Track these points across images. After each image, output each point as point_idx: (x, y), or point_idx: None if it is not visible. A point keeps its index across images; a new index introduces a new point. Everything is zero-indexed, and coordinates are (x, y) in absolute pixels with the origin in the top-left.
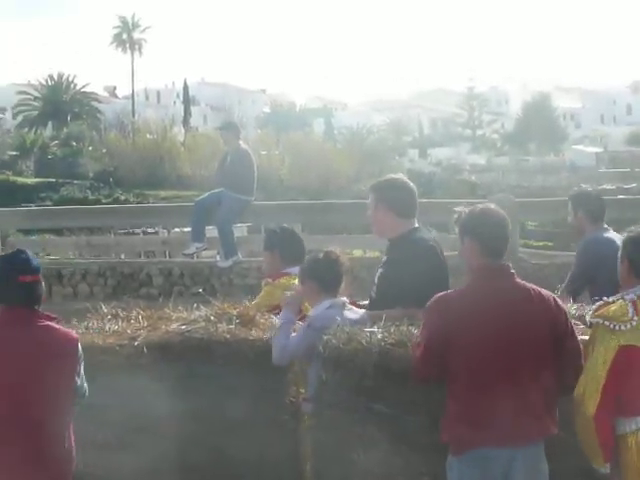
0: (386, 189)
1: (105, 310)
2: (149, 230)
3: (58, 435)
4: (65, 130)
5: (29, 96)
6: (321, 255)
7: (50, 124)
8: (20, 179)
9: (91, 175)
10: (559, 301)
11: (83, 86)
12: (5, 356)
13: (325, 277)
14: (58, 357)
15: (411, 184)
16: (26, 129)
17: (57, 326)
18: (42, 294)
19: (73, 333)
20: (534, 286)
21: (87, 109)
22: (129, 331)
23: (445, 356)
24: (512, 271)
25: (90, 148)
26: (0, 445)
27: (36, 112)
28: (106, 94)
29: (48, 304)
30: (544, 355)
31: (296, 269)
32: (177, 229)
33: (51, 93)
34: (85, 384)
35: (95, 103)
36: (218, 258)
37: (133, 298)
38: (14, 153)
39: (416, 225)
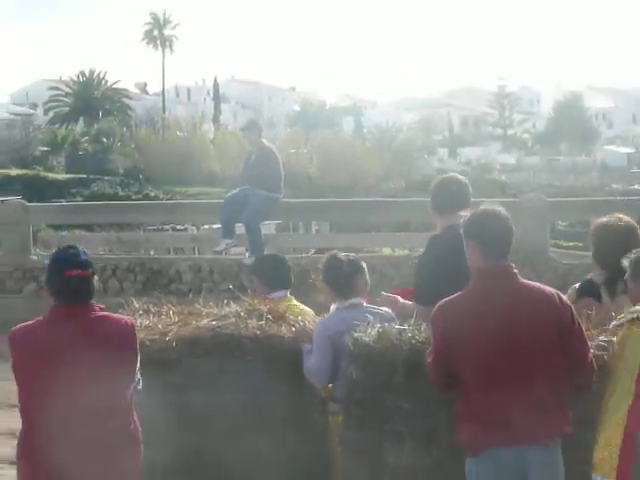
0: (432, 187)
1: (137, 305)
2: (178, 227)
3: (124, 419)
4: (96, 126)
5: (60, 92)
6: (326, 259)
7: (81, 120)
8: (51, 175)
9: (121, 171)
10: (564, 298)
11: (114, 82)
12: (60, 350)
13: (332, 280)
14: (117, 343)
15: (456, 180)
16: (57, 125)
17: (110, 314)
18: (92, 289)
19: (128, 318)
20: (539, 285)
21: (118, 105)
22: (160, 326)
23: (452, 361)
24: (514, 271)
25: (120, 144)
26: (72, 436)
27: (67, 108)
28: (137, 91)
29: (104, 297)
30: (551, 354)
31: (281, 293)
32: (206, 226)
33: (82, 89)
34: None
35: (126, 100)
36: (247, 255)
37: (163, 294)
38: (45, 149)
39: (458, 222)
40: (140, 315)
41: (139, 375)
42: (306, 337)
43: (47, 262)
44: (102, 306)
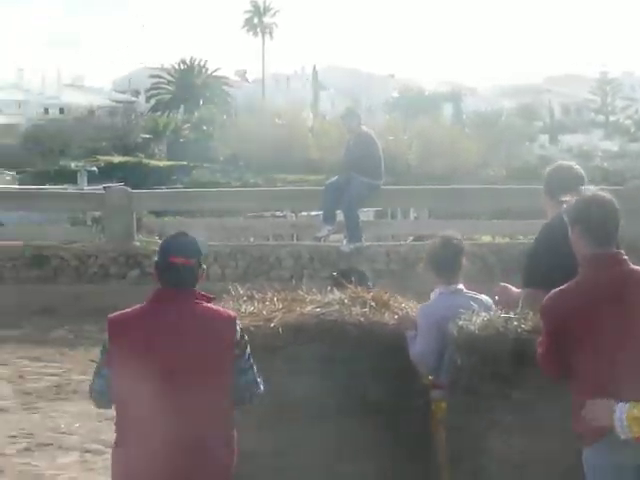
0: (546, 173)
1: (241, 291)
2: (277, 213)
3: (218, 420)
4: (196, 114)
5: (162, 80)
6: (435, 241)
7: (182, 108)
8: (152, 162)
9: (221, 158)
10: None
11: (214, 70)
12: (155, 334)
13: (438, 264)
14: (213, 335)
15: (570, 167)
16: (159, 112)
17: (211, 305)
18: (196, 277)
19: (230, 311)
20: None
21: (218, 93)
22: (265, 312)
23: (567, 349)
24: (624, 258)
25: (220, 132)
26: (161, 427)
27: (169, 96)
28: (237, 78)
29: None
30: None
31: None
32: (304, 213)
33: (183, 77)
34: (254, 374)
35: (226, 87)
36: (344, 242)
37: (264, 281)
38: (147, 136)
39: None
40: (244, 301)
41: (259, 379)
42: (409, 324)
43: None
44: (210, 296)
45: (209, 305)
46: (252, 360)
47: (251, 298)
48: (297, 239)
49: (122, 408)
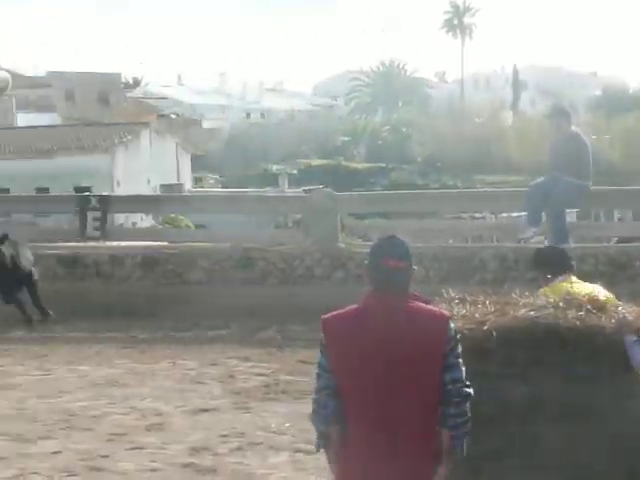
0: None
1: (452, 294)
2: (476, 215)
3: (425, 429)
4: (395, 116)
5: (361, 83)
6: None
7: (381, 110)
8: (351, 164)
9: (419, 160)
10: None
11: (413, 72)
12: (369, 336)
13: None
14: (426, 334)
15: None
16: (358, 115)
17: (425, 305)
18: (408, 280)
19: (444, 311)
20: None
21: (417, 94)
22: (477, 315)
23: None
24: None
25: (419, 133)
26: (373, 426)
27: (368, 98)
28: (435, 79)
29: None
30: None
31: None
32: (504, 214)
33: (382, 79)
34: (461, 372)
35: (425, 88)
36: (546, 243)
37: (467, 283)
38: (346, 139)
39: None
40: (456, 304)
41: (465, 385)
42: (628, 328)
43: (368, 250)
44: (424, 298)
45: (423, 305)
46: (461, 360)
47: (463, 301)
48: (497, 241)
49: (344, 408)
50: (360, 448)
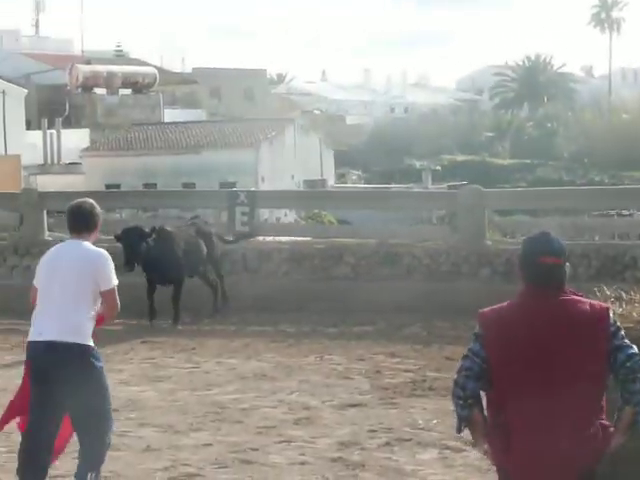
0: None
1: (607, 292)
2: (624, 212)
3: (593, 407)
4: (541, 111)
5: (506, 77)
6: None
7: (526, 105)
8: (496, 160)
9: (565, 156)
10: None
11: (560, 66)
12: (528, 330)
13: None
14: (587, 325)
15: None
16: (502, 110)
17: (582, 299)
18: (563, 276)
19: (602, 303)
20: None
21: (563, 89)
22: (635, 314)
23: None
24: None
25: (565, 129)
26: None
27: (512, 93)
28: (582, 74)
29: None
30: None
31: None
32: None
33: (528, 74)
34: (632, 348)
35: (571, 83)
36: None
37: (618, 281)
38: (490, 134)
39: None
40: (612, 302)
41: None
42: None
43: (518, 247)
44: (579, 293)
45: (580, 298)
46: (627, 341)
47: (618, 299)
48: None
49: (499, 397)
50: (520, 437)
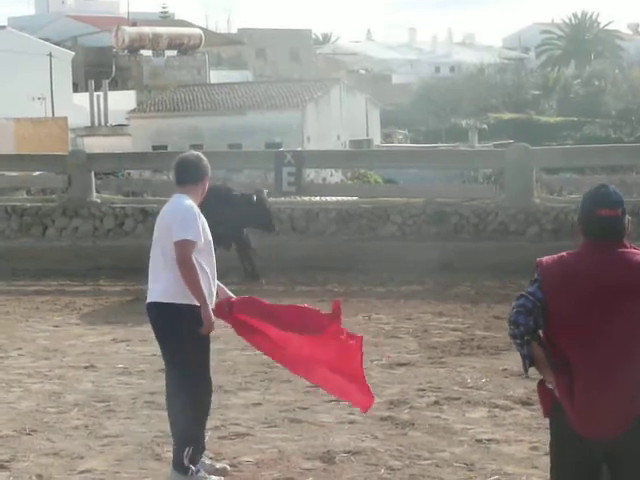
0: None
1: None
2: None
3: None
4: (587, 69)
5: (553, 35)
6: None
7: (572, 63)
8: (543, 118)
9: (613, 113)
10: None
11: (607, 24)
12: (587, 280)
13: None
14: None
15: None
16: (549, 68)
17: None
18: (622, 229)
19: None
20: None
21: (610, 47)
22: None
23: None
24: None
25: (613, 86)
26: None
27: (559, 51)
28: (629, 32)
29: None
30: None
31: None
32: None
33: (574, 32)
34: None
35: (618, 41)
36: None
37: None
38: (537, 93)
39: None
40: None
41: None
42: None
43: (581, 200)
44: (637, 248)
45: (636, 251)
46: None
47: None
48: None
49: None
50: (580, 387)
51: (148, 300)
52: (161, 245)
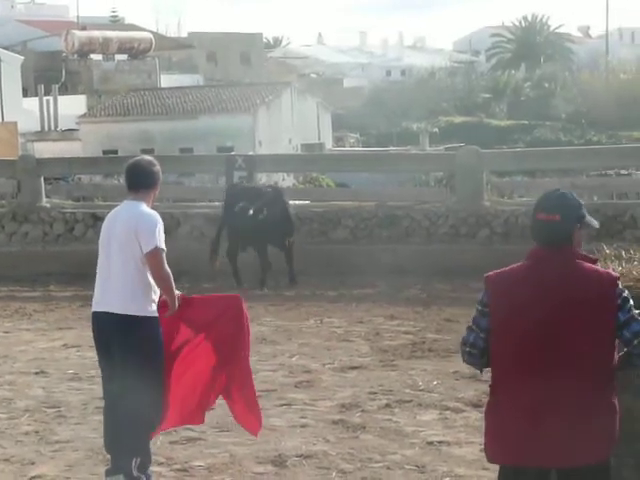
0: None
1: (607, 251)
2: (622, 172)
3: (602, 383)
4: (538, 72)
5: (503, 38)
6: None
7: (523, 66)
8: (493, 121)
9: (563, 116)
10: None
11: (557, 27)
12: (530, 292)
13: None
14: (592, 293)
15: None
16: (499, 71)
17: (590, 265)
18: (563, 235)
19: (612, 272)
20: None
21: (560, 50)
22: (635, 273)
23: None
24: None
25: (562, 89)
26: (540, 388)
27: (509, 54)
28: (579, 34)
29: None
30: None
31: None
32: None
33: (525, 35)
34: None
35: (568, 44)
36: None
37: (617, 240)
38: (487, 95)
39: None
40: (612, 261)
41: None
42: None
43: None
44: (591, 257)
45: (588, 264)
46: (635, 313)
47: (618, 257)
48: None
49: (499, 362)
50: (515, 404)
51: (106, 309)
52: (127, 252)
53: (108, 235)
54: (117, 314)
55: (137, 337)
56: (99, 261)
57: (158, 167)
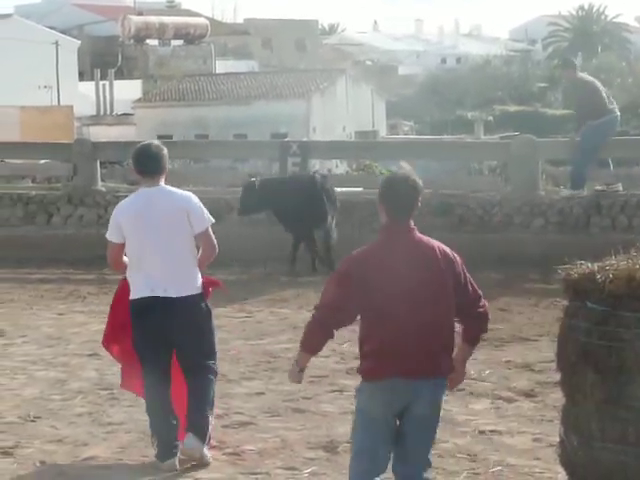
0: None
1: None
2: None
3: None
4: (594, 61)
5: (559, 27)
6: None
7: (579, 55)
8: (549, 111)
9: (619, 106)
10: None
11: (614, 17)
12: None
13: None
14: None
15: None
16: (555, 61)
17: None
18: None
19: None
20: None
21: (617, 40)
22: None
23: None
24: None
25: (619, 79)
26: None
27: (566, 43)
28: (636, 24)
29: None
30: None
31: None
32: None
33: (581, 24)
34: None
35: (625, 34)
36: None
37: None
38: (543, 85)
39: None
40: None
41: None
42: None
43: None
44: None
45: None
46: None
47: None
48: None
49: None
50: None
51: (169, 294)
52: (181, 233)
53: (145, 222)
54: (183, 296)
55: (203, 313)
56: (137, 249)
57: (166, 151)
